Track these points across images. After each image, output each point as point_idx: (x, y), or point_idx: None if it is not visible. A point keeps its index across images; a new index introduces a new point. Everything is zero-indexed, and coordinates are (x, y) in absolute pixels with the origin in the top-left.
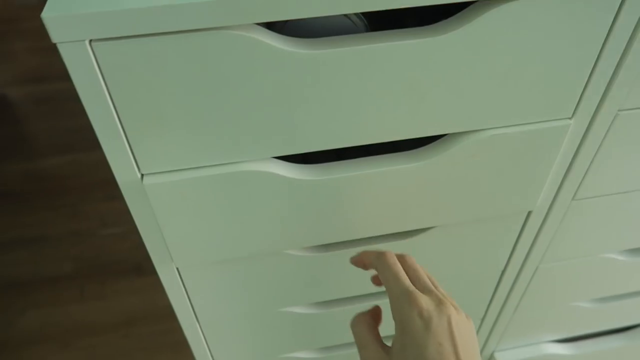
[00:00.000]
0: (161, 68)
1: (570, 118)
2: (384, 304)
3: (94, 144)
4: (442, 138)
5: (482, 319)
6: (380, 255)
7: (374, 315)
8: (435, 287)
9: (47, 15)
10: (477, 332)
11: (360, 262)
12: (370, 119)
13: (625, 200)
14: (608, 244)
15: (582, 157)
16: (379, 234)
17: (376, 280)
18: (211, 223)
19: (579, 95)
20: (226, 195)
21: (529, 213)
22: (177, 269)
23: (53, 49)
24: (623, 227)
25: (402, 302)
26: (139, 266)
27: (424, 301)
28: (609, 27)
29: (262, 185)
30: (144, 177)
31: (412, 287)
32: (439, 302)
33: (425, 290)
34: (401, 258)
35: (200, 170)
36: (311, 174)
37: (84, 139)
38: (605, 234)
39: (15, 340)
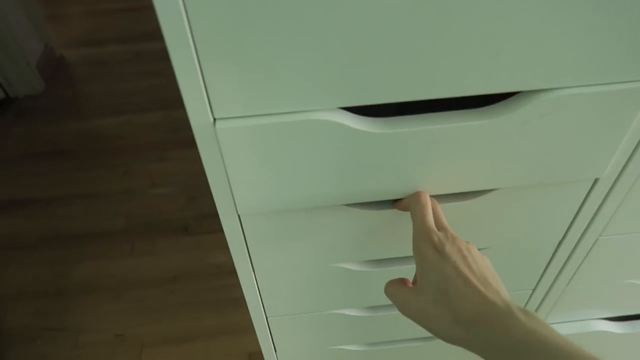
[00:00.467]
0: (244, 6)
1: None
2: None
3: (146, 107)
4: (515, 96)
5: (533, 290)
6: (416, 194)
7: (401, 279)
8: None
9: None
10: (526, 304)
11: (401, 204)
12: (444, 71)
13: None
14: None
15: None
16: (440, 193)
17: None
18: (277, 172)
19: None
20: (294, 144)
21: (596, 180)
22: (239, 216)
23: (107, 12)
24: None
25: (420, 237)
26: (187, 226)
27: (438, 235)
28: None
29: (329, 135)
30: (217, 122)
31: (432, 225)
32: (453, 237)
33: (441, 229)
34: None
35: (271, 118)
36: (378, 127)
37: (137, 101)
38: None
39: (70, 290)
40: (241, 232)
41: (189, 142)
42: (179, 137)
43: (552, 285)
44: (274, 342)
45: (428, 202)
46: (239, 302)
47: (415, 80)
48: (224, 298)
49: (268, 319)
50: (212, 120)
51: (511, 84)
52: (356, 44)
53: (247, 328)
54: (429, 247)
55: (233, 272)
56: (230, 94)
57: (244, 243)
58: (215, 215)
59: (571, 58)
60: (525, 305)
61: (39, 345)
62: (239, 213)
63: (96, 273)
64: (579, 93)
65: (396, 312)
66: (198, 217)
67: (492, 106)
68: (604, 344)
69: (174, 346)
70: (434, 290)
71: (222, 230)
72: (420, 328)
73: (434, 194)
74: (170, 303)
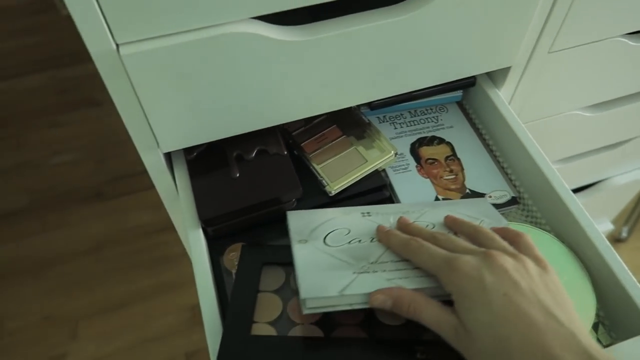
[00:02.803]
0: None
1: None
2: None
3: (26, 70)
4: None
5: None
6: (404, 241)
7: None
8: (475, 233)
9: None
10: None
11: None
12: None
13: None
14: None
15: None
16: (368, 100)
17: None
18: (196, 96)
19: None
20: (210, 63)
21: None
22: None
23: None
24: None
25: (445, 273)
26: (99, 192)
27: (467, 262)
28: None
29: (246, 49)
30: (120, 48)
31: (448, 255)
32: (485, 256)
33: (463, 250)
34: (418, 232)
35: (180, 36)
36: (296, 34)
37: (11, 65)
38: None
39: None
40: (169, 173)
41: (82, 103)
42: (70, 99)
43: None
44: None
45: (420, 243)
46: (172, 259)
47: None
48: (155, 257)
49: None
50: (114, 46)
51: None
52: None
53: (185, 282)
54: (461, 278)
55: (160, 230)
56: (131, 13)
57: (174, 185)
58: (130, 176)
59: None
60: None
61: None
62: (163, 151)
63: (8, 256)
64: None
65: None
66: (110, 181)
67: (407, 1)
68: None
69: (111, 314)
70: (487, 338)
71: (140, 190)
72: None
73: (362, 102)
74: (98, 272)
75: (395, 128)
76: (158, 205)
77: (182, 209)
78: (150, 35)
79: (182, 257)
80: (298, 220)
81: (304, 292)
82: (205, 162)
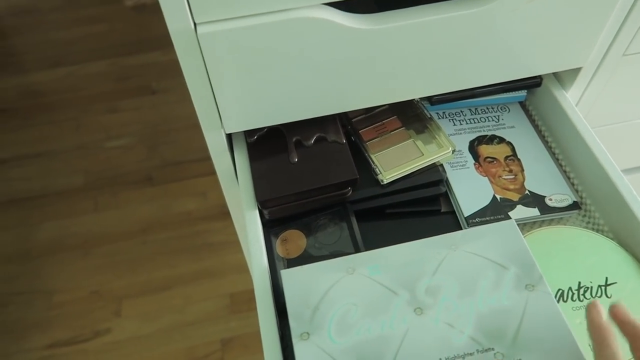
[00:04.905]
0: None
1: None
2: None
3: (87, 56)
4: None
5: None
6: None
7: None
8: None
9: None
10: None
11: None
12: None
13: None
14: None
15: None
16: (434, 93)
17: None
18: (265, 78)
19: None
20: (281, 46)
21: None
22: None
23: None
24: None
25: None
26: (150, 177)
27: None
28: None
29: (316, 33)
30: (198, 27)
31: None
32: None
33: None
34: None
35: (255, 18)
36: (367, 22)
37: (76, 51)
38: None
39: (36, 251)
40: (229, 153)
41: (141, 90)
42: (129, 86)
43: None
44: None
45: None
46: (215, 247)
47: None
48: (198, 244)
49: None
50: (192, 25)
51: None
52: None
53: (225, 270)
54: None
55: (205, 217)
56: None
57: (232, 165)
58: (179, 163)
59: None
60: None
61: (11, 310)
62: (226, 131)
63: (61, 233)
64: None
65: None
66: (161, 167)
67: None
68: None
69: (153, 296)
70: None
71: (188, 178)
72: None
73: (425, 95)
74: (143, 254)
75: (455, 125)
76: (204, 193)
77: (240, 190)
78: (227, 16)
79: (224, 245)
80: (295, 288)
81: None
82: (265, 146)
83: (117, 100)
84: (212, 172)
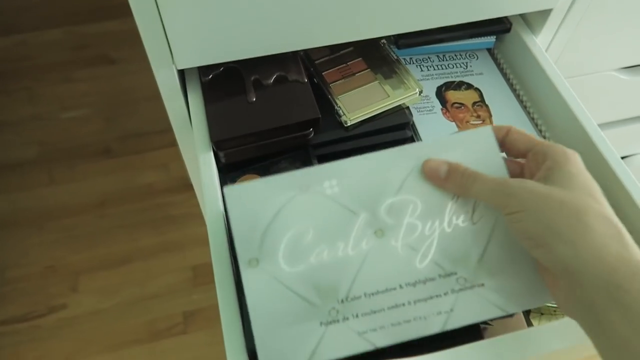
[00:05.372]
0: None
1: None
2: None
3: (41, 23)
4: None
5: None
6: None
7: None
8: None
9: None
10: None
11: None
12: None
13: None
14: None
15: None
16: (395, 32)
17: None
18: (220, 8)
19: None
20: None
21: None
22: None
23: None
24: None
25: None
26: (108, 149)
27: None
28: None
29: None
30: None
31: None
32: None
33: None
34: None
35: None
36: None
37: (29, 17)
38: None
39: None
40: (181, 90)
41: (98, 60)
42: (86, 55)
43: None
44: None
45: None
46: (177, 219)
47: None
48: (159, 217)
49: None
50: None
51: None
52: None
53: (188, 243)
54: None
55: (166, 190)
56: None
57: (185, 103)
58: (139, 135)
59: None
60: None
61: None
62: (178, 67)
63: (14, 207)
64: None
65: None
66: (120, 138)
67: None
68: None
69: (111, 270)
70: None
71: (148, 150)
72: None
73: (389, 33)
74: (101, 228)
75: (422, 71)
76: (166, 165)
77: (194, 132)
78: None
79: (187, 218)
80: (241, 208)
81: None
82: (220, 85)
83: (73, 69)
84: (174, 144)
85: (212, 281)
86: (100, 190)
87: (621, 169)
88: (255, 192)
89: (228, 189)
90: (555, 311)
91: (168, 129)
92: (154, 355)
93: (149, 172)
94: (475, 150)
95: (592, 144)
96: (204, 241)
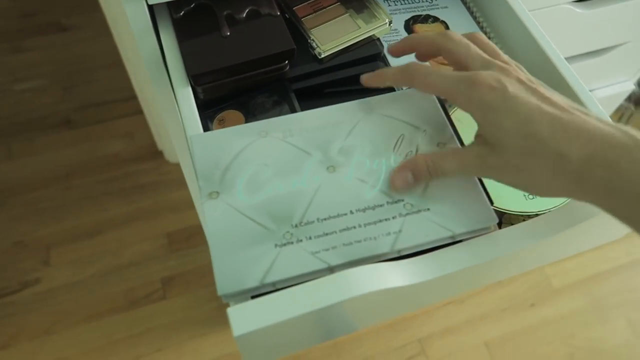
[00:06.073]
0: None
1: None
2: None
3: None
4: None
5: None
6: (401, 69)
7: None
8: (494, 56)
9: None
10: None
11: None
12: None
13: None
14: None
15: None
16: None
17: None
18: None
19: None
20: None
21: None
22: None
23: None
24: None
25: (465, 91)
26: (68, 119)
27: (488, 75)
28: None
29: None
30: None
31: (462, 74)
32: (502, 69)
33: (480, 66)
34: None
35: None
36: None
37: None
38: None
39: None
40: (153, 32)
41: (49, 27)
42: (36, 23)
43: None
44: None
45: (426, 68)
46: (146, 188)
47: None
48: (128, 186)
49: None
50: None
51: None
52: None
53: (160, 210)
54: (484, 92)
55: (134, 159)
56: None
57: (157, 44)
58: (100, 104)
59: None
60: None
61: None
62: (149, 1)
63: None
64: None
65: None
66: (80, 108)
67: None
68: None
69: (84, 242)
70: (517, 140)
71: (111, 119)
72: None
73: None
74: (69, 200)
75: (389, 5)
76: (131, 134)
77: (170, 70)
78: None
79: (157, 186)
80: (205, 151)
81: (220, 287)
82: (193, 21)
83: (23, 38)
84: (139, 112)
85: (189, 246)
86: (63, 163)
87: (591, 103)
88: (220, 138)
89: (195, 136)
90: (524, 219)
91: (130, 97)
92: (135, 321)
93: (114, 141)
94: (417, 106)
95: (560, 77)
96: (177, 208)
